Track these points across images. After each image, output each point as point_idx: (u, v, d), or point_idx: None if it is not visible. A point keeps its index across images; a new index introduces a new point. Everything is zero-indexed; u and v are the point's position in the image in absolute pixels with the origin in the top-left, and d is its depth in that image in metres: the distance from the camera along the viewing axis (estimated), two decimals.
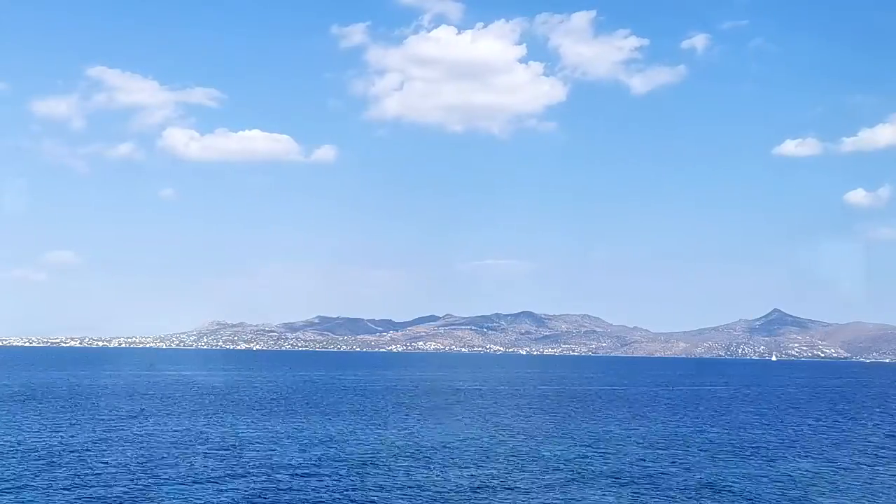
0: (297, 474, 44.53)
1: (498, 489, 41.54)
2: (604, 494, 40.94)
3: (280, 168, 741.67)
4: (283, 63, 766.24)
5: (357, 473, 45.12)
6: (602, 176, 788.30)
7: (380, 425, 68.52)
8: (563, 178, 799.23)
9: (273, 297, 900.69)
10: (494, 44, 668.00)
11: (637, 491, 41.88)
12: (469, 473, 45.62)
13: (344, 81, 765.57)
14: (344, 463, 48.43)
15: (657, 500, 40.07)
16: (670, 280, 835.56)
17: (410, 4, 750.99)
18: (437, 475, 44.83)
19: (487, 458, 51.52)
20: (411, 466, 47.46)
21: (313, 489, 40.78)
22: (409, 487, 41.47)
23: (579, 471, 47.15)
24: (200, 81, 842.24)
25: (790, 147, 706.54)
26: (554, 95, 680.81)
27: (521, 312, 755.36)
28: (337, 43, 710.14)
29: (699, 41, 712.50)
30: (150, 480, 41.76)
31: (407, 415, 79.20)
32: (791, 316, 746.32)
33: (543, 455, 52.95)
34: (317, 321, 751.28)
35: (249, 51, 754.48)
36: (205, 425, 65.81)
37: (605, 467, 48.57)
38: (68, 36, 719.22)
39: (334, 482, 42.53)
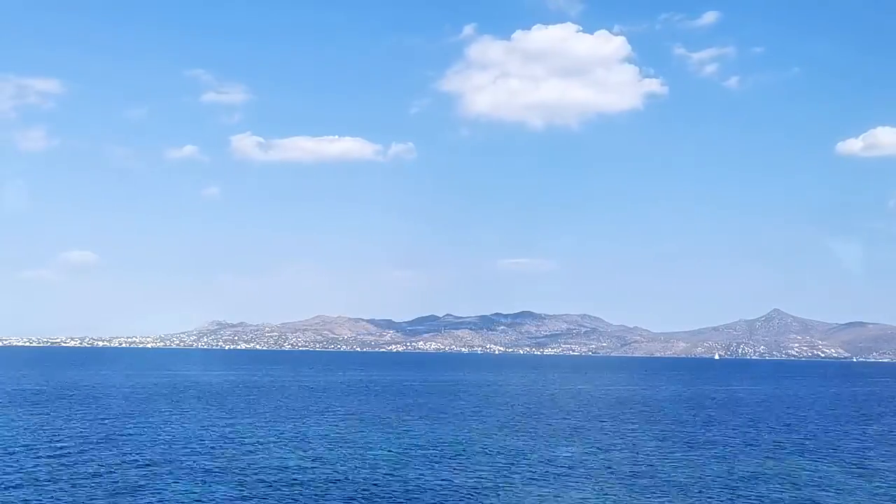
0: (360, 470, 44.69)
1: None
2: None
3: (349, 168, 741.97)
4: (383, 63, 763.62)
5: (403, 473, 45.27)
6: (623, 177, 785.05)
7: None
8: (581, 178, 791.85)
9: (273, 296, 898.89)
10: (606, 42, 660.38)
11: None
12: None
13: (444, 78, 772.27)
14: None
15: None
16: (670, 280, 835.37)
17: (532, 2, 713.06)
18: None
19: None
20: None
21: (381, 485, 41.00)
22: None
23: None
24: (292, 86, 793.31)
25: (853, 145, 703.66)
26: (651, 96, 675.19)
27: (521, 312, 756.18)
28: (444, 40, 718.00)
29: (823, 45, 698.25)
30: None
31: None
32: (791, 316, 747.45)
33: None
34: (317, 321, 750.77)
35: (349, 54, 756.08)
36: (229, 423, 66.03)
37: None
38: (170, 41, 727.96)
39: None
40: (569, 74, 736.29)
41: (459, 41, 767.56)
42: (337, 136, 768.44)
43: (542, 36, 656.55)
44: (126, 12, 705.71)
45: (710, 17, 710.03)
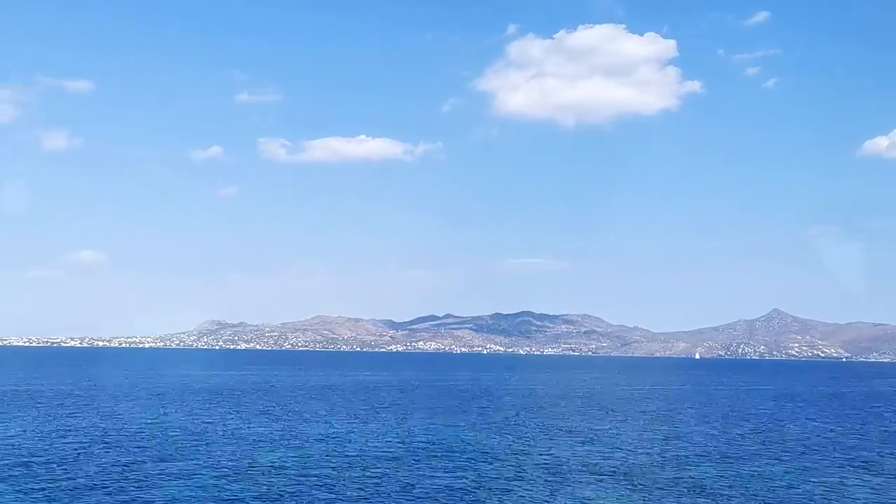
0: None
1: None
2: None
3: (374, 168, 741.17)
4: (422, 63, 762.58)
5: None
6: (638, 177, 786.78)
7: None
8: (600, 178, 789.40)
9: (273, 296, 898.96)
10: (651, 43, 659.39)
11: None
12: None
13: (482, 77, 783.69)
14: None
15: None
16: (670, 280, 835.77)
17: (579, 2, 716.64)
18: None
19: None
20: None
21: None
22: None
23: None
24: (327, 86, 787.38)
25: (880, 143, 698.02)
26: (687, 97, 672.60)
27: (521, 312, 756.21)
28: (486, 39, 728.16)
29: (860, 46, 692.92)
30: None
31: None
32: (791, 316, 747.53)
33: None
34: (317, 321, 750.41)
35: (390, 54, 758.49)
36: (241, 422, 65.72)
37: None
38: (207, 42, 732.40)
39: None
40: (608, 74, 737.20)
41: (501, 40, 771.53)
42: (369, 137, 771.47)
43: (586, 35, 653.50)
44: (163, 14, 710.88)
45: (761, 16, 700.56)
